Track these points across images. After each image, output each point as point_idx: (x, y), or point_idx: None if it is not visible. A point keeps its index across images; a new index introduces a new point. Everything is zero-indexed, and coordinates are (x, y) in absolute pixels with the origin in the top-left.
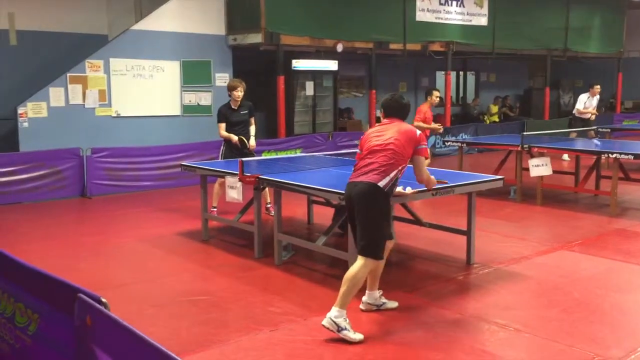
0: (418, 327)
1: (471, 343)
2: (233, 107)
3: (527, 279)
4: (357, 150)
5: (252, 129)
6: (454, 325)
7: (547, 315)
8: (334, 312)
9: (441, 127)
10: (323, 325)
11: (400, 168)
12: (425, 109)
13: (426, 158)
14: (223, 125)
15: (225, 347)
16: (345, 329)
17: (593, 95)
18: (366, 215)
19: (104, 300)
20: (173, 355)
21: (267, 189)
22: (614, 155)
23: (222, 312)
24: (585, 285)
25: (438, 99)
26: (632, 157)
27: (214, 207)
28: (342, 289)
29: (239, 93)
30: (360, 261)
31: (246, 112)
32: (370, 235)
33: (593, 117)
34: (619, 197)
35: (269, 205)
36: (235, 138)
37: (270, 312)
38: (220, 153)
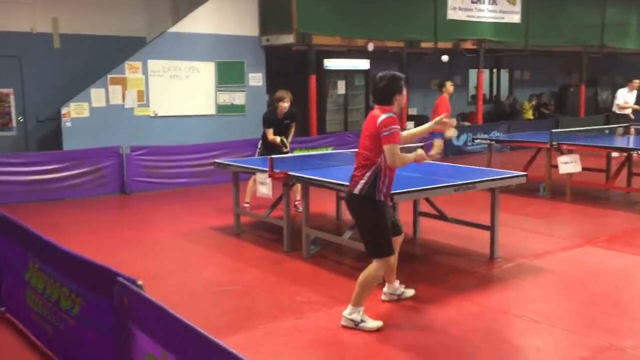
0: (438, 317)
1: (489, 333)
2: (279, 116)
3: (549, 273)
4: None
5: (291, 133)
6: (474, 316)
7: (566, 308)
8: (347, 310)
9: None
10: (342, 326)
11: (376, 165)
12: (442, 102)
13: (395, 143)
14: (271, 130)
15: (254, 333)
16: (362, 321)
17: (632, 89)
18: (357, 222)
19: (140, 282)
20: (203, 332)
21: (297, 185)
22: None
23: (252, 300)
24: (607, 279)
25: (453, 87)
26: None
27: (247, 203)
28: (356, 290)
29: (286, 104)
30: (372, 265)
31: (289, 121)
32: (368, 238)
33: (632, 112)
34: None
35: (297, 202)
36: (278, 139)
37: (297, 302)
38: (257, 151)
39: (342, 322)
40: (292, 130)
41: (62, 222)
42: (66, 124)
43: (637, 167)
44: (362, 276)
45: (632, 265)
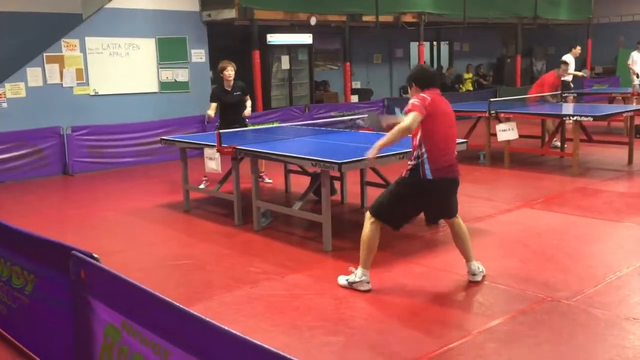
0: (387, 280)
1: (434, 291)
2: (227, 88)
3: (489, 235)
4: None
5: (248, 103)
6: (420, 277)
7: (505, 265)
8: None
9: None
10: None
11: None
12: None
13: (406, 113)
14: (213, 105)
15: (209, 303)
16: (355, 281)
17: (574, 56)
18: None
19: (95, 255)
20: (161, 296)
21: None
22: (575, 118)
23: (205, 273)
24: (543, 238)
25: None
26: (591, 119)
27: (205, 177)
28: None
29: (229, 72)
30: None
31: (239, 93)
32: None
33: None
34: (582, 158)
35: (262, 174)
36: (212, 113)
37: (251, 272)
38: (216, 128)
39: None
40: (248, 104)
41: (3, 205)
42: (2, 104)
43: (569, 133)
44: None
45: (565, 224)
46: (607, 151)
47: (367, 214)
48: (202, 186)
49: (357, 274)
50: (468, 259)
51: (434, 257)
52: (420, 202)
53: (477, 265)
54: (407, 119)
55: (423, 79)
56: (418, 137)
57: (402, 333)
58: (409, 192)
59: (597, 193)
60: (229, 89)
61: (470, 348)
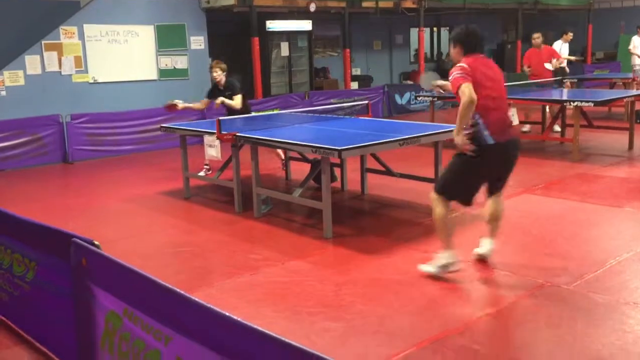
0: (388, 266)
1: (434, 277)
2: (220, 87)
3: None
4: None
5: (234, 101)
6: (420, 263)
7: (505, 251)
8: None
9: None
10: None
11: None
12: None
13: (453, 87)
14: (205, 100)
15: (210, 290)
16: (444, 264)
17: (565, 41)
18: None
19: (96, 242)
20: (162, 282)
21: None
22: (575, 103)
23: (206, 260)
24: (543, 223)
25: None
26: (592, 104)
27: (207, 165)
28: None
29: (214, 74)
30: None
31: (230, 92)
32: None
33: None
34: (583, 144)
35: (283, 161)
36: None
37: (251, 259)
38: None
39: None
40: (236, 100)
41: (3, 193)
42: (1, 92)
43: (570, 119)
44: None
45: (565, 210)
46: (607, 137)
47: (433, 195)
48: (201, 173)
49: (445, 257)
50: (493, 236)
51: (434, 243)
52: (485, 171)
53: (489, 246)
54: (464, 95)
55: (470, 41)
56: None
57: (402, 319)
58: (472, 161)
59: (598, 179)
60: (221, 88)
61: (471, 333)
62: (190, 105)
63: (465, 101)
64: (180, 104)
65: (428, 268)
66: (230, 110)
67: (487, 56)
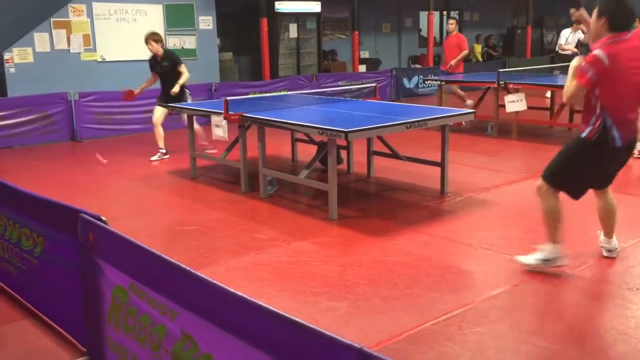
0: (392, 248)
1: (439, 259)
2: (158, 59)
3: (495, 205)
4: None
5: (181, 78)
6: (425, 245)
7: (509, 235)
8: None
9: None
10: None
11: (594, 105)
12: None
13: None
14: (151, 77)
15: (215, 268)
16: (548, 259)
17: (575, 30)
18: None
19: (104, 218)
20: (168, 258)
21: (199, 127)
22: None
23: (212, 239)
24: None
25: (452, 25)
26: None
27: (162, 149)
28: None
29: (149, 47)
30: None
31: (167, 63)
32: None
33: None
34: None
35: (204, 144)
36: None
37: (257, 239)
38: (157, 99)
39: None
40: (182, 76)
41: (12, 169)
42: (10, 69)
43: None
44: None
45: None
46: None
47: (539, 182)
48: (155, 158)
49: (550, 251)
50: (609, 234)
51: (439, 226)
52: (603, 170)
53: (616, 242)
54: (566, 93)
55: (619, 17)
56: (596, 96)
57: (406, 300)
58: (593, 158)
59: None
60: (160, 60)
61: (474, 315)
62: (144, 85)
63: (564, 93)
64: (136, 90)
65: (527, 260)
66: (168, 86)
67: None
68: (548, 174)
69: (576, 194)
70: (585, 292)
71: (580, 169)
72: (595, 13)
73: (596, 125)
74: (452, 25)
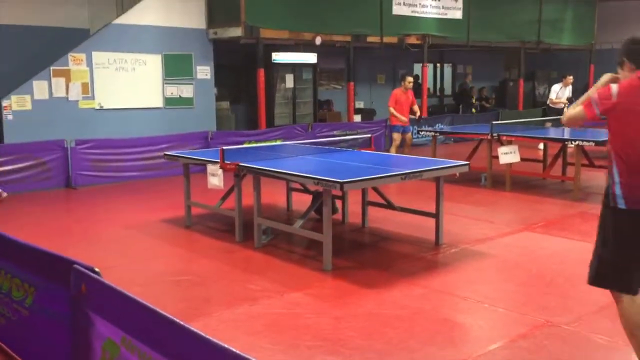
0: (387, 300)
1: (434, 312)
2: None
3: (490, 257)
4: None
5: None
6: (420, 298)
7: (505, 288)
8: None
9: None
10: None
11: (612, 157)
12: (398, 93)
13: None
14: None
15: (207, 320)
16: None
17: (566, 85)
18: None
19: (97, 269)
20: (161, 312)
21: None
22: (576, 142)
23: (205, 290)
24: (543, 261)
25: (411, 84)
26: (593, 143)
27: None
28: None
29: None
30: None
31: None
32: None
33: (566, 107)
34: (584, 183)
35: None
36: None
37: (250, 289)
38: None
39: None
40: None
41: (4, 216)
42: (7, 116)
43: (571, 158)
44: None
45: (565, 249)
46: None
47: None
48: None
49: None
50: None
51: (434, 278)
52: (628, 243)
53: None
54: (565, 115)
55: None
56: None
57: (401, 355)
58: (607, 228)
59: (598, 218)
60: None
61: None
62: None
63: (566, 113)
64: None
65: None
66: None
67: None
68: (592, 274)
69: (626, 287)
70: (582, 348)
71: (610, 247)
72: (618, 66)
73: (607, 181)
74: (410, 83)
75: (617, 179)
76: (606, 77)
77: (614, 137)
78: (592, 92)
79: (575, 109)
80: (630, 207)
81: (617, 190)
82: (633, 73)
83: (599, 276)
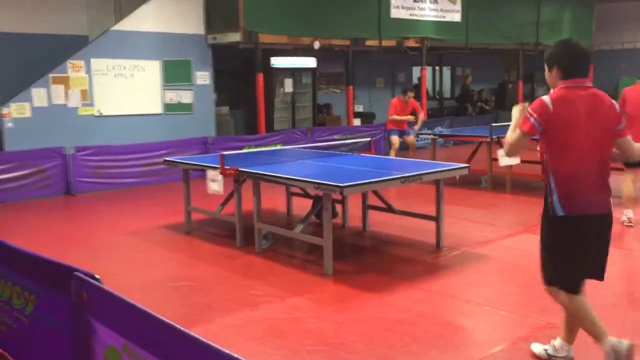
0: (389, 304)
1: (436, 316)
2: None
3: (491, 260)
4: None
5: None
6: (422, 301)
7: (506, 291)
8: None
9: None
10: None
11: (549, 166)
12: (397, 103)
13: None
14: None
15: (208, 326)
16: (554, 356)
17: None
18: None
19: (97, 276)
20: (162, 318)
21: None
22: None
23: (206, 295)
24: None
25: (410, 98)
26: None
27: None
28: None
29: None
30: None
31: None
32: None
33: None
34: None
35: None
36: None
37: (251, 295)
38: None
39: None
40: None
41: (4, 225)
42: (7, 124)
43: None
44: None
45: None
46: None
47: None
48: None
49: (556, 346)
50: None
51: (435, 282)
52: (572, 249)
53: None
54: (507, 143)
55: (570, 60)
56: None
57: (403, 359)
58: (550, 236)
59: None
60: None
61: None
62: None
63: (505, 143)
64: None
65: (538, 348)
66: None
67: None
68: (543, 274)
69: (571, 286)
70: (585, 350)
71: (555, 252)
72: (546, 66)
73: (545, 190)
74: (410, 98)
75: (554, 188)
76: (518, 108)
77: (550, 147)
78: (515, 124)
79: (513, 135)
80: (568, 213)
81: (555, 198)
82: (560, 81)
83: (555, 278)
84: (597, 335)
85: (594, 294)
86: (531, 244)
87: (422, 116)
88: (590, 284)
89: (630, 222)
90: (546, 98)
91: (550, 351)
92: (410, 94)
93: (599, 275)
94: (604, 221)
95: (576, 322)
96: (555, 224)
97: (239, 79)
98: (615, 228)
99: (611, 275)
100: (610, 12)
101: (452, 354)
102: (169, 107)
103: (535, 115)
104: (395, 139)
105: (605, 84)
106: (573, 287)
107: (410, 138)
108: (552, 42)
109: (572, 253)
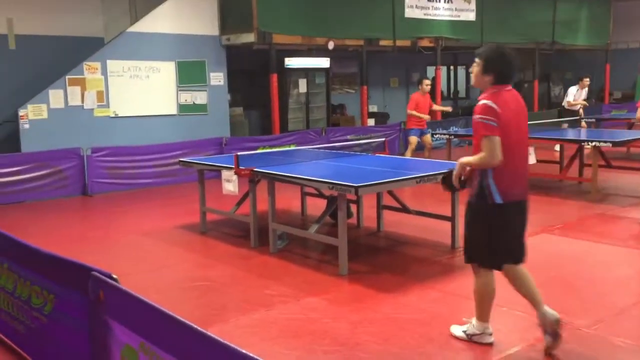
0: (404, 305)
1: (451, 316)
2: None
3: None
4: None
5: None
6: (437, 302)
7: None
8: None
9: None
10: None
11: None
12: (417, 96)
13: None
14: None
15: (224, 326)
16: (474, 334)
17: (582, 87)
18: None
19: (114, 276)
20: (179, 317)
21: None
22: (593, 144)
23: (221, 295)
24: (561, 264)
25: (428, 87)
26: (610, 144)
27: None
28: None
29: None
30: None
31: None
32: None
33: (582, 109)
34: (601, 184)
35: None
36: None
37: (266, 295)
38: None
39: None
40: None
41: (22, 225)
42: (24, 125)
43: (588, 159)
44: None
45: (583, 251)
46: (626, 177)
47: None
48: None
49: (475, 326)
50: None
51: (450, 282)
52: (500, 233)
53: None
54: (487, 150)
55: (507, 69)
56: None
57: (418, 359)
58: (482, 221)
59: (616, 219)
60: None
61: None
62: None
63: (484, 157)
64: None
65: (457, 331)
66: None
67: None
68: (466, 251)
69: (495, 264)
70: (602, 351)
71: (486, 235)
72: (479, 66)
73: (477, 180)
74: (428, 86)
75: (492, 179)
76: (462, 163)
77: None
78: (467, 165)
79: (485, 149)
80: (506, 201)
81: (493, 188)
82: (491, 84)
83: (476, 255)
84: (479, 316)
85: (616, 295)
86: (549, 244)
87: (435, 107)
88: (611, 285)
89: None
90: (489, 102)
91: (469, 331)
92: (427, 82)
93: (525, 253)
94: (527, 206)
95: (476, 297)
96: (493, 211)
97: (253, 79)
98: (632, 229)
99: (630, 277)
100: (627, 11)
101: (468, 355)
102: (183, 108)
103: (490, 117)
104: (413, 139)
105: (622, 83)
106: (499, 265)
107: (427, 137)
108: (569, 40)
109: (509, 235)
